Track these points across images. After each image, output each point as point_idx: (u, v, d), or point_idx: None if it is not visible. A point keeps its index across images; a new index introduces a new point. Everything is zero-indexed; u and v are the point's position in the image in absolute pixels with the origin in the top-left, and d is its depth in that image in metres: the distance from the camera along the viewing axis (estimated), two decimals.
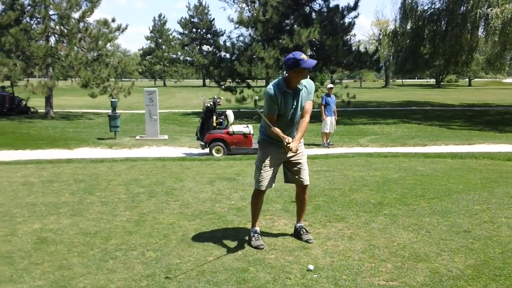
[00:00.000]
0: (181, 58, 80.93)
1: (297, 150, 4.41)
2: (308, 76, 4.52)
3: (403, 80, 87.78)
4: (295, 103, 4.38)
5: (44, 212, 5.75)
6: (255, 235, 4.60)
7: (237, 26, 25.04)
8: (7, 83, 24.47)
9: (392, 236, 4.76)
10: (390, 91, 59.52)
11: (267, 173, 4.51)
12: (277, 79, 4.43)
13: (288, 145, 4.25)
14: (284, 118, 4.40)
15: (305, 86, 4.40)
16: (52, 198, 6.45)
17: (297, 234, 4.75)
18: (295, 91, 4.35)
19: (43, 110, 23.72)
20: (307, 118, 4.47)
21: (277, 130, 4.30)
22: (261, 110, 4.47)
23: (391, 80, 79.47)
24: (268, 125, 4.32)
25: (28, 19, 22.30)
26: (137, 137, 15.65)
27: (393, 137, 16.22)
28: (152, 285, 3.65)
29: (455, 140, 15.10)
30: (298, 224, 4.76)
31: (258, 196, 4.66)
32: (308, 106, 4.46)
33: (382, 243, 4.55)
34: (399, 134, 17.04)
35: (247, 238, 4.66)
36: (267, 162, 4.52)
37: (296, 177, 4.63)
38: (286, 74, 4.32)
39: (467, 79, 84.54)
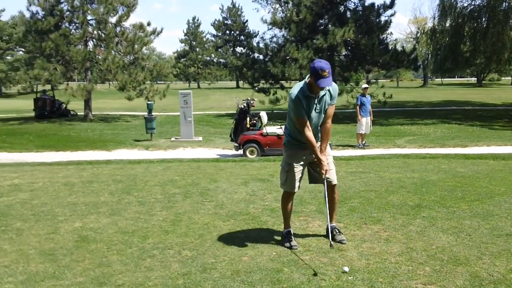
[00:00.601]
0: (214, 60, 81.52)
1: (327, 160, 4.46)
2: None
3: (443, 79, 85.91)
4: (318, 108, 4.38)
5: (84, 211, 5.90)
6: (288, 235, 4.60)
7: (270, 27, 25.08)
8: (48, 86, 25.16)
9: (431, 239, 4.66)
10: (428, 90, 58.33)
11: (293, 175, 4.51)
12: (301, 83, 4.41)
13: (322, 165, 4.37)
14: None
15: (328, 90, 4.37)
16: (92, 198, 6.62)
17: (330, 234, 4.68)
18: (318, 95, 4.34)
19: (83, 113, 24.31)
20: (330, 123, 4.48)
21: (313, 139, 4.34)
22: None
23: (430, 79, 77.94)
24: (301, 132, 4.37)
25: (67, 24, 22.90)
26: (172, 139, 15.85)
27: (431, 137, 15.90)
28: (188, 283, 3.69)
29: (497, 140, 14.67)
30: (331, 225, 4.71)
31: (287, 198, 4.67)
32: (331, 111, 4.46)
33: (420, 246, 4.46)
34: (438, 135, 16.68)
35: (280, 239, 4.65)
36: (293, 163, 4.52)
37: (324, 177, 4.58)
38: (309, 79, 4.30)
39: (510, 78, 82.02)
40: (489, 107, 30.15)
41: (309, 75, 4.30)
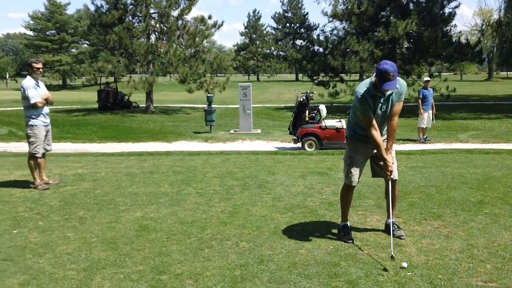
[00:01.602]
0: (274, 53, 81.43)
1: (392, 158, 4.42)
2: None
3: (508, 73, 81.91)
4: (384, 107, 4.33)
5: (145, 201, 6.11)
6: (345, 229, 4.59)
7: (331, 19, 24.76)
8: (111, 79, 25.99)
9: (493, 236, 4.52)
10: (493, 84, 55.88)
11: (355, 168, 4.49)
12: (367, 81, 4.36)
13: (387, 165, 4.35)
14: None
15: (396, 87, 4.27)
16: (152, 188, 6.84)
17: (389, 230, 4.64)
18: (384, 94, 4.27)
19: (144, 105, 25.01)
20: (395, 120, 4.40)
21: (379, 139, 4.32)
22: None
23: (495, 73, 74.53)
24: (366, 129, 4.35)
25: (130, 17, 23.58)
26: (231, 131, 16.04)
27: (496, 132, 15.25)
28: (245, 274, 3.77)
29: None
30: (390, 220, 4.66)
31: (347, 191, 4.66)
32: (397, 108, 4.38)
33: (482, 243, 4.34)
34: (503, 130, 15.97)
35: (337, 232, 4.65)
36: (356, 157, 4.50)
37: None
38: (375, 78, 4.23)
39: None
40: None
41: (374, 74, 4.26)
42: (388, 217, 4.65)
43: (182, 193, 6.53)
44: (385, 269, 3.78)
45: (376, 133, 4.30)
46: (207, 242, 4.52)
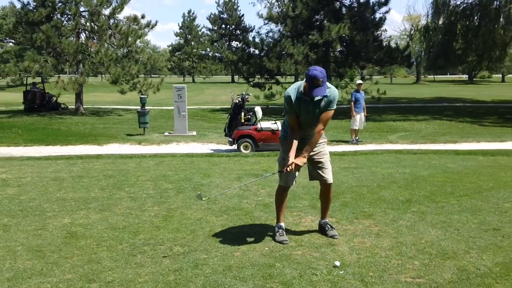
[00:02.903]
0: (210, 54, 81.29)
1: (297, 166, 4.35)
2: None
3: (435, 76, 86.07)
4: (311, 111, 4.34)
5: (74, 207, 5.87)
6: (280, 230, 4.62)
7: (266, 22, 25.07)
8: (38, 79, 24.90)
9: (420, 233, 4.70)
10: (421, 87, 58.49)
11: None
12: (299, 83, 4.38)
13: (288, 167, 4.33)
14: (300, 122, 4.41)
15: (325, 94, 4.22)
16: (82, 193, 6.59)
17: (322, 230, 4.75)
18: (313, 98, 4.25)
19: (74, 106, 24.13)
20: (320, 127, 4.35)
21: (292, 138, 4.39)
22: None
23: (423, 76, 78.16)
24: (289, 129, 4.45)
25: (59, 15, 22.67)
26: (166, 133, 15.81)
27: (423, 133, 15.97)
28: (179, 279, 3.69)
29: (487, 137, 14.77)
30: (323, 220, 4.75)
31: (281, 193, 4.69)
32: (325, 116, 4.34)
33: (410, 240, 4.49)
34: (430, 131, 16.75)
35: (273, 234, 4.66)
36: (288, 159, 4.51)
37: (319, 175, 4.61)
38: (305, 83, 4.24)
39: (501, 75, 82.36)
40: (479, 104, 30.28)
41: (305, 79, 4.27)
42: (322, 218, 4.77)
43: (114, 197, 6.33)
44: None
45: (293, 133, 4.38)
46: (139, 247, 4.39)
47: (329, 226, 4.73)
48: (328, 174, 4.61)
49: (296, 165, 4.31)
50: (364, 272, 3.77)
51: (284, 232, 4.61)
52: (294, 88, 4.35)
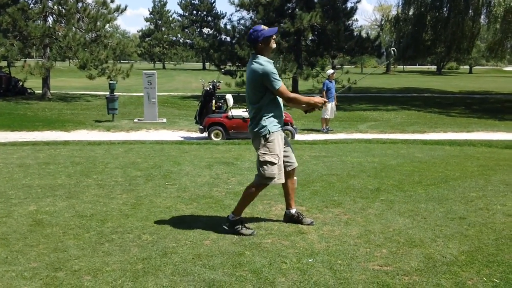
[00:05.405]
0: (181, 40, 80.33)
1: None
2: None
3: (404, 67, 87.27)
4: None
5: (40, 194, 5.73)
6: (243, 223, 4.48)
7: (238, 9, 24.83)
8: (3, 63, 24.28)
9: (388, 222, 4.76)
10: (391, 77, 59.28)
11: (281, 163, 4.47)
12: (259, 58, 4.25)
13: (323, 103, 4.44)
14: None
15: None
16: (48, 180, 6.44)
17: (296, 220, 4.68)
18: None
19: (40, 91, 23.60)
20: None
21: (301, 97, 4.48)
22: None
23: (392, 67, 79.01)
24: (294, 99, 4.40)
25: None
26: (135, 120, 15.62)
27: (392, 123, 16.20)
28: (148, 267, 3.64)
29: (454, 127, 15.10)
30: (293, 210, 4.72)
31: (261, 190, 4.57)
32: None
33: (378, 228, 4.55)
34: (399, 121, 17.01)
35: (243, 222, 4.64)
36: (281, 152, 4.45)
37: (288, 162, 4.54)
38: (261, 46, 4.26)
39: (468, 67, 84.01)
40: (447, 95, 30.88)
41: (259, 44, 4.25)
42: (291, 207, 4.72)
43: (81, 185, 6.21)
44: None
45: (292, 93, 4.42)
46: (107, 236, 4.32)
47: (302, 215, 4.74)
48: (294, 158, 4.63)
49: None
50: (333, 260, 3.80)
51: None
52: (266, 62, 4.24)
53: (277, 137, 4.30)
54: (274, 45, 4.35)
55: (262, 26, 4.32)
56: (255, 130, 4.29)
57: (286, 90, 4.30)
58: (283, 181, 4.41)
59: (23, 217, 4.83)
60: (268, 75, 4.16)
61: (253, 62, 4.25)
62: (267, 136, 4.25)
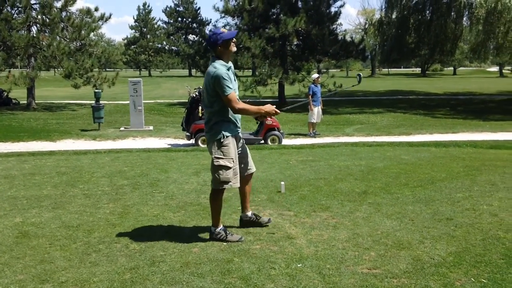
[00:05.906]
0: (166, 47, 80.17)
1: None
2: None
3: (389, 70, 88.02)
4: (236, 81, 4.39)
5: (25, 205, 5.67)
6: (227, 231, 4.44)
7: (223, 15, 24.89)
8: None
9: (376, 224, 4.78)
10: (376, 80, 59.66)
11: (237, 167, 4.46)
12: (217, 63, 4.23)
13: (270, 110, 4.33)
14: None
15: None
16: (34, 191, 6.37)
17: (253, 222, 4.70)
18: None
19: (25, 102, 23.39)
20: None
21: (249, 107, 4.36)
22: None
23: (377, 70, 79.70)
24: (242, 110, 4.28)
25: (9, 8, 21.86)
26: (122, 128, 15.53)
27: (378, 126, 16.31)
28: (136, 277, 3.62)
29: (439, 129, 15.24)
30: (249, 212, 4.72)
31: (221, 195, 4.52)
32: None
33: (366, 231, 4.56)
34: (385, 123, 17.13)
35: (233, 229, 4.63)
36: (236, 156, 4.44)
37: (246, 167, 4.56)
38: (220, 49, 4.25)
39: (452, 68, 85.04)
40: (432, 97, 31.19)
41: (219, 47, 4.23)
42: (247, 210, 4.73)
43: (67, 195, 6.15)
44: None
45: (241, 103, 4.30)
46: (94, 246, 4.28)
47: (258, 216, 4.76)
48: (252, 163, 4.63)
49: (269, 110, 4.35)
50: (322, 264, 3.80)
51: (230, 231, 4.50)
52: (221, 65, 4.20)
53: (232, 141, 4.30)
54: (234, 49, 4.31)
55: (222, 29, 4.32)
56: (209, 134, 4.30)
57: (235, 99, 4.19)
58: (238, 185, 4.41)
59: (9, 229, 4.77)
60: (219, 79, 4.13)
61: (210, 65, 4.26)
62: (222, 140, 4.24)
